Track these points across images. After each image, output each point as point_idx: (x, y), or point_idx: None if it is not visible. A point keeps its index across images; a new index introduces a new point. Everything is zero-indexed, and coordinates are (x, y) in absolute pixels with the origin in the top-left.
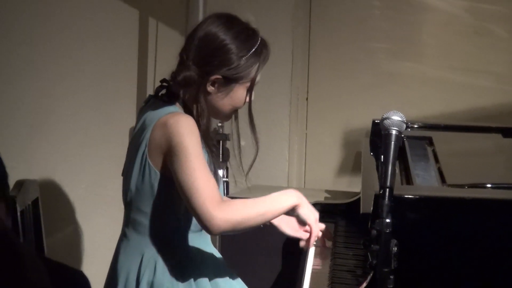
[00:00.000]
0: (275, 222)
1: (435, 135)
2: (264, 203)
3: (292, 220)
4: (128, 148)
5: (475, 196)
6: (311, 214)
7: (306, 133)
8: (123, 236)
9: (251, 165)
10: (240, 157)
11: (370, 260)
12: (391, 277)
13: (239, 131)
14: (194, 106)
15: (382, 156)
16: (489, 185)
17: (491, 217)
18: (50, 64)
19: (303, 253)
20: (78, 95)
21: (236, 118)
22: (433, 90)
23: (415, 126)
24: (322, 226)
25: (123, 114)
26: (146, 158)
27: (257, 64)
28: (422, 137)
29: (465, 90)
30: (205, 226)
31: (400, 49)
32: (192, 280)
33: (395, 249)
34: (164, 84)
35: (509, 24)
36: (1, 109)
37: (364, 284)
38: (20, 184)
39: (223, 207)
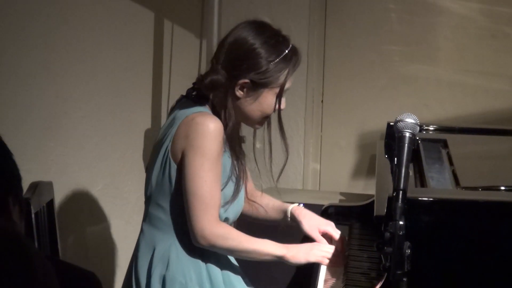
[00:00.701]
0: (298, 216)
1: (449, 137)
2: (255, 243)
3: (315, 218)
4: (154, 144)
5: (489, 198)
6: (301, 258)
7: (321, 135)
8: (141, 231)
9: (282, 171)
10: (270, 165)
11: (384, 262)
12: (405, 279)
13: (271, 139)
14: (222, 110)
15: (395, 159)
16: (503, 188)
17: (505, 220)
18: (66, 67)
19: None
20: (94, 98)
21: (269, 125)
22: (448, 92)
23: (430, 128)
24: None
25: (138, 116)
26: (168, 153)
27: (286, 70)
28: (437, 140)
29: (480, 93)
30: (192, 237)
31: (415, 52)
32: (205, 275)
33: (408, 251)
34: (196, 86)
35: None
36: (17, 112)
37: (378, 286)
38: (34, 186)
39: (216, 229)
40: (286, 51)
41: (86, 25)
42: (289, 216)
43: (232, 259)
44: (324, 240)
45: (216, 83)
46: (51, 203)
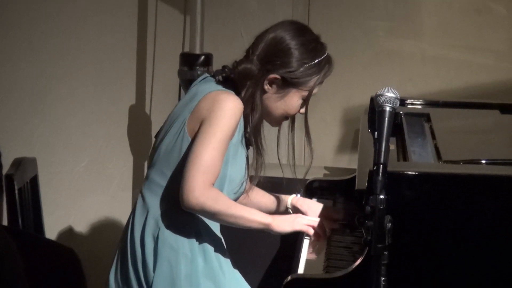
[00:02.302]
0: (301, 207)
1: (433, 112)
2: (243, 210)
3: (315, 206)
4: (170, 114)
5: (470, 172)
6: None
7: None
8: (140, 194)
9: (307, 171)
10: (294, 168)
11: (365, 236)
12: (386, 253)
13: (294, 141)
14: (250, 100)
15: (376, 133)
16: (484, 161)
17: (485, 193)
18: (50, 44)
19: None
20: (78, 75)
21: (293, 128)
22: (432, 67)
23: (414, 102)
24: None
25: (122, 92)
26: (184, 125)
27: (318, 76)
28: (420, 114)
29: (464, 67)
30: (181, 194)
31: (400, 27)
32: (197, 244)
33: (389, 225)
34: (226, 69)
35: (508, 1)
36: (1, 89)
37: (359, 260)
38: (18, 162)
39: (208, 191)
40: (321, 58)
41: (70, 2)
42: (290, 207)
43: (222, 239)
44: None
45: (249, 72)
46: (35, 179)
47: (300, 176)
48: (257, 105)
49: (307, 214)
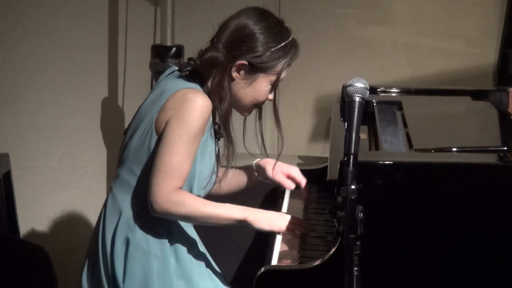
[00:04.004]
0: (264, 164)
1: (405, 99)
2: (214, 208)
3: (278, 163)
4: (139, 110)
5: (440, 160)
6: (264, 225)
7: (278, 100)
8: (110, 191)
9: (278, 157)
10: (267, 154)
11: (337, 226)
12: (358, 243)
13: (262, 131)
14: (218, 89)
15: (346, 123)
16: (455, 149)
17: (455, 181)
18: (20, 39)
19: None
20: (49, 69)
21: (260, 117)
22: (403, 55)
23: (387, 90)
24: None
25: (95, 85)
26: (152, 124)
27: (284, 60)
28: (392, 102)
29: (435, 54)
30: (148, 201)
31: (370, 15)
32: (168, 246)
33: (361, 215)
34: (191, 62)
35: None
36: None
37: (333, 250)
38: None
39: (172, 197)
40: (287, 41)
41: None
42: (254, 168)
43: (195, 235)
44: (289, 182)
45: (215, 59)
46: (8, 175)
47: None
48: (226, 93)
49: (266, 170)
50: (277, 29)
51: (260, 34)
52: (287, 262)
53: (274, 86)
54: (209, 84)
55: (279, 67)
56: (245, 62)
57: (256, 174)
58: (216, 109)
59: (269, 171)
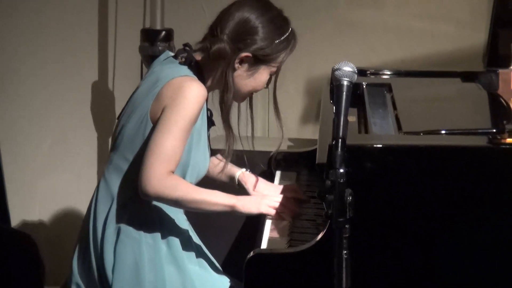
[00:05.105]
0: (246, 183)
1: (395, 81)
2: (204, 193)
3: (261, 185)
4: (133, 96)
5: (428, 143)
6: (253, 208)
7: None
8: (103, 176)
9: (277, 150)
10: (253, 144)
11: (326, 210)
12: (347, 226)
13: (253, 117)
14: (221, 80)
15: (334, 107)
16: (443, 132)
17: (444, 164)
18: (10, 23)
19: None
20: (39, 53)
21: (251, 102)
22: (394, 37)
23: (377, 72)
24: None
25: (84, 69)
26: (147, 110)
27: (286, 51)
28: (382, 84)
29: (426, 36)
30: (139, 183)
31: None
32: (159, 233)
33: (350, 198)
34: (187, 48)
35: None
36: None
37: (322, 234)
38: None
39: (165, 180)
40: (288, 33)
41: None
42: (236, 183)
43: (187, 224)
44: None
45: (223, 52)
46: None
47: (261, 148)
48: (230, 84)
49: (250, 191)
50: (280, 21)
51: (265, 27)
52: (276, 245)
53: (275, 77)
54: (207, 73)
55: (281, 58)
56: (249, 54)
57: (237, 187)
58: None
59: (250, 190)
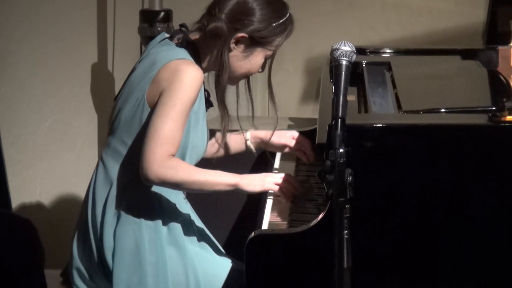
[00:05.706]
0: (264, 135)
1: (394, 60)
2: (207, 174)
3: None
4: (130, 78)
5: (428, 122)
6: (257, 186)
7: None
8: (100, 159)
9: (273, 132)
10: (253, 123)
11: (327, 190)
12: (347, 206)
13: (253, 101)
14: (217, 61)
15: (333, 87)
16: (443, 110)
17: (444, 143)
18: (8, 5)
19: None
20: (38, 35)
21: (249, 85)
22: (393, 14)
23: (376, 51)
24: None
25: (84, 50)
26: (144, 93)
27: (282, 35)
28: (381, 63)
29: (424, 13)
30: (141, 168)
31: None
32: (160, 217)
33: (350, 178)
34: (183, 29)
35: None
36: None
37: (322, 214)
38: None
39: (166, 163)
40: (286, 17)
41: None
42: (248, 138)
43: (188, 206)
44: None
45: (220, 31)
46: None
47: (262, 128)
48: (226, 65)
49: (270, 138)
50: (278, 5)
51: (263, 9)
52: (277, 226)
53: (271, 61)
54: (203, 53)
55: (277, 42)
56: (246, 35)
57: (249, 144)
58: (214, 80)
59: (271, 138)
